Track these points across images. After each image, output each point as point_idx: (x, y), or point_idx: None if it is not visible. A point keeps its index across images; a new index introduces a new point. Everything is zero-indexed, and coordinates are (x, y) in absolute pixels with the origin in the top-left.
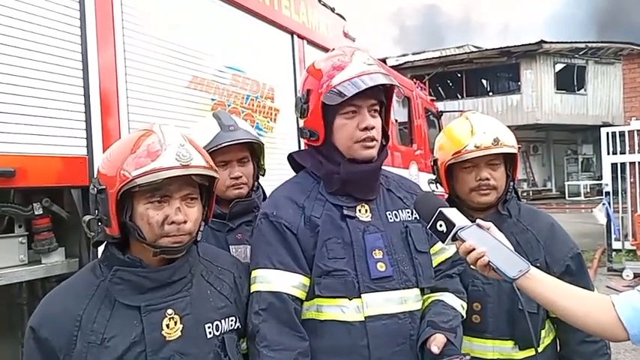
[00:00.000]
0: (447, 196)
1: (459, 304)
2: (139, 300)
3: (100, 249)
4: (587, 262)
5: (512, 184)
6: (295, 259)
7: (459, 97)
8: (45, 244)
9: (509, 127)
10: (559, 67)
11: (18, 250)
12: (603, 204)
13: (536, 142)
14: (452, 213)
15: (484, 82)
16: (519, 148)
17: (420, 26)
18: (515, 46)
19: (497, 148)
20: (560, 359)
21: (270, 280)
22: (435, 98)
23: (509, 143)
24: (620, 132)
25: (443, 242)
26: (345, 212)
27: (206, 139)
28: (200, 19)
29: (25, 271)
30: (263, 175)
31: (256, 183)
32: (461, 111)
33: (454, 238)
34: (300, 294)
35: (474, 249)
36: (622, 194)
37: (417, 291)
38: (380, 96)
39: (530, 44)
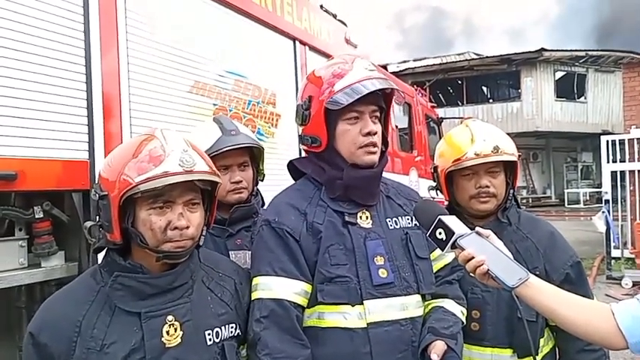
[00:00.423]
0: (446, 203)
1: (459, 311)
2: (139, 306)
3: (101, 254)
4: (586, 270)
5: (511, 191)
6: (297, 266)
7: (460, 103)
8: (45, 247)
9: (509, 134)
10: (559, 74)
11: (18, 254)
12: (603, 212)
13: (536, 149)
14: (451, 221)
15: (484, 89)
16: (519, 155)
17: (422, 30)
18: (515, 53)
19: (497, 156)
20: None
21: (272, 287)
22: (435, 105)
23: (509, 151)
24: (619, 140)
25: (442, 250)
26: (347, 219)
27: (207, 144)
28: (203, 24)
29: (25, 275)
30: (262, 180)
31: (255, 188)
32: (461, 118)
33: (453, 246)
34: (302, 301)
35: (473, 257)
36: (621, 202)
37: (418, 297)
38: (380, 102)
39: (530, 52)
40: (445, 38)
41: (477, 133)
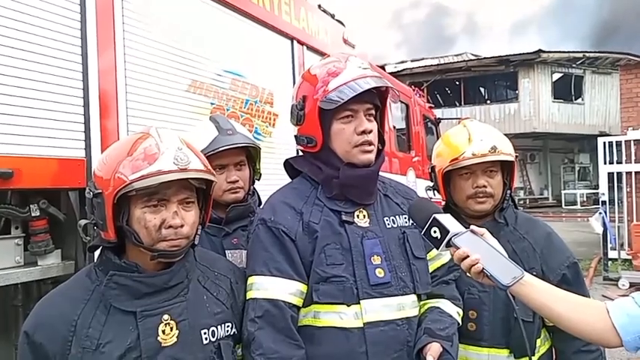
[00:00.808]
0: (444, 203)
1: (455, 311)
2: (134, 305)
3: (96, 253)
4: (583, 271)
5: (509, 192)
6: (293, 266)
7: (457, 104)
8: (41, 245)
9: (506, 135)
10: (556, 76)
11: (14, 252)
12: (600, 213)
13: (533, 150)
14: (446, 219)
15: (482, 90)
16: (516, 156)
17: (422, 27)
18: (513, 54)
19: (494, 156)
20: None
21: (267, 287)
22: (433, 105)
23: (507, 151)
24: (616, 142)
25: (437, 249)
26: (344, 218)
27: (204, 143)
28: (200, 23)
29: (21, 273)
30: (259, 180)
31: (252, 187)
32: (459, 118)
33: (448, 245)
34: (297, 301)
35: (468, 256)
36: (618, 203)
37: (414, 297)
38: (375, 100)
39: (528, 53)
40: (446, 35)
41: (474, 133)
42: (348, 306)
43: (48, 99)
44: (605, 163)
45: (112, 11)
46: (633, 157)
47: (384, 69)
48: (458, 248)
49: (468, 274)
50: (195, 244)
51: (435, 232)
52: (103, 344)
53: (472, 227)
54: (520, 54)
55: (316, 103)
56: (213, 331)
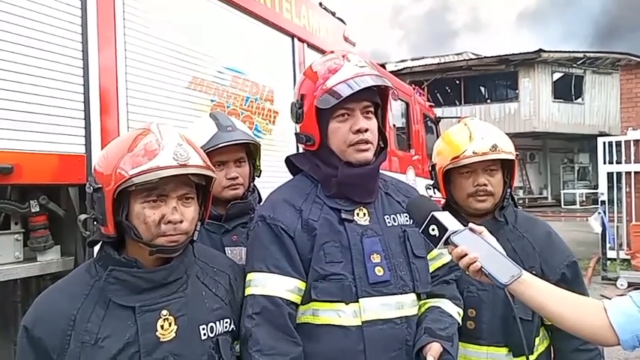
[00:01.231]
0: (444, 201)
1: (455, 312)
2: (133, 300)
3: (96, 248)
4: (582, 271)
5: (509, 190)
6: (291, 263)
7: (457, 103)
8: (41, 241)
9: (506, 134)
10: (557, 76)
11: (13, 247)
12: (599, 213)
13: (533, 150)
14: (444, 217)
15: (482, 89)
16: (517, 155)
17: (424, 22)
18: (513, 54)
19: (495, 154)
20: None
21: (265, 283)
22: (433, 104)
23: (507, 150)
24: (616, 142)
25: (435, 247)
26: (344, 216)
27: (204, 139)
28: (201, 20)
29: (21, 269)
30: (259, 177)
31: (252, 184)
32: (459, 117)
33: (446, 243)
34: (296, 298)
35: (466, 254)
36: (617, 203)
37: (413, 296)
38: (374, 97)
39: (528, 53)
40: (448, 32)
41: (475, 132)
42: (347, 304)
43: (48, 94)
44: (604, 163)
45: (113, 8)
46: (633, 157)
47: (384, 67)
48: (456, 246)
49: (466, 272)
50: (195, 240)
51: (433, 230)
52: (102, 339)
53: (470, 225)
54: (520, 53)
55: (313, 102)
56: (211, 327)
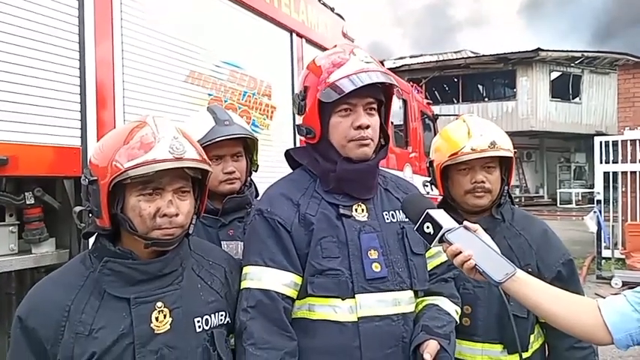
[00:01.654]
0: (440, 198)
1: (453, 310)
2: (128, 292)
3: (91, 240)
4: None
5: (506, 188)
6: (288, 257)
7: (455, 101)
8: (36, 233)
9: None
10: (555, 75)
11: (8, 239)
12: (594, 212)
13: (530, 149)
14: (439, 215)
15: (480, 87)
16: (515, 152)
17: (425, 17)
18: (511, 52)
19: (493, 151)
20: None
21: (261, 277)
22: (431, 102)
23: (506, 147)
24: (613, 141)
25: (430, 244)
26: (341, 211)
27: (200, 133)
28: (199, 14)
29: (15, 261)
30: (256, 171)
31: (249, 179)
32: (456, 115)
33: (441, 241)
34: (291, 293)
35: (460, 252)
36: (613, 203)
37: (410, 293)
38: (378, 94)
39: (526, 51)
40: (449, 27)
41: (473, 128)
42: (343, 300)
43: (44, 86)
44: (601, 162)
45: (110, 1)
46: (629, 157)
47: (382, 64)
48: (450, 244)
49: (460, 269)
50: (190, 234)
51: (427, 227)
52: (96, 330)
53: (465, 223)
54: (519, 52)
55: (316, 95)
56: (206, 319)
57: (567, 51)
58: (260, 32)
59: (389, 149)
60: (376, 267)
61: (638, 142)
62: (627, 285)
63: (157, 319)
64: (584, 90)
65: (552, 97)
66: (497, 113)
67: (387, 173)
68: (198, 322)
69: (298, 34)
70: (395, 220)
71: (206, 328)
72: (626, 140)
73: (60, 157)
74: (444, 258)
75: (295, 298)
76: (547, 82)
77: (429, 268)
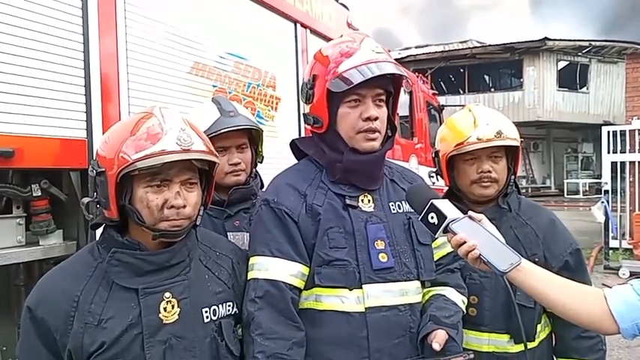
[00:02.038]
0: (447, 188)
1: (459, 300)
2: (136, 282)
3: (98, 232)
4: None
5: (512, 177)
6: (295, 248)
7: (461, 92)
8: (43, 225)
9: None
10: (562, 64)
11: (16, 231)
12: (602, 202)
13: (537, 139)
14: (443, 205)
15: (486, 77)
16: (521, 141)
17: (431, 7)
18: (518, 42)
19: (499, 141)
20: (554, 354)
21: (268, 267)
22: (437, 92)
23: (512, 136)
24: (621, 131)
25: (434, 234)
26: (348, 202)
27: (206, 124)
28: (203, 5)
29: (23, 252)
30: (261, 162)
31: (254, 170)
32: (462, 105)
33: (445, 231)
34: (299, 283)
35: (465, 242)
36: (621, 193)
37: (417, 283)
38: (387, 85)
39: (533, 41)
40: (456, 16)
41: (480, 118)
42: (350, 290)
43: (49, 78)
44: (608, 152)
45: None
46: (637, 147)
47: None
48: (455, 234)
49: (465, 259)
50: (197, 225)
51: (432, 217)
52: (105, 320)
53: (470, 213)
54: (525, 42)
55: (325, 84)
56: (214, 309)
57: (575, 40)
58: (264, 23)
59: (395, 140)
60: (383, 257)
61: None
62: (635, 275)
63: (165, 309)
64: (592, 79)
65: (559, 86)
66: (504, 103)
67: (392, 164)
68: (206, 312)
69: (303, 25)
70: (401, 211)
71: (214, 318)
72: (634, 130)
73: (66, 149)
74: (449, 249)
75: (302, 288)
76: (554, 72)
77: (435, 259)
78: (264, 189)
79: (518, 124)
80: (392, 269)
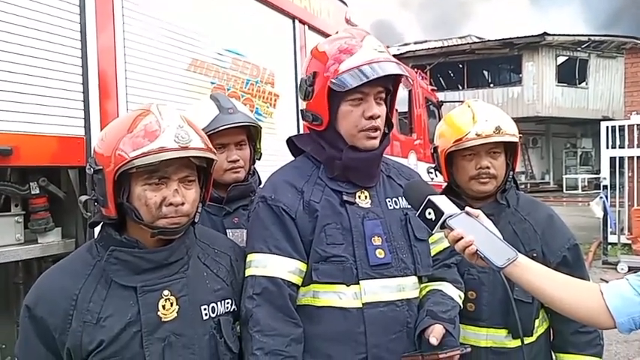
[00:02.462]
0: (445, 184)
1: (456, 295)
2: (135, 280)
3: (97, 230)
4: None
5: (511, 173)
6: (292, 244)
7: (460, 87)
8: (41, 223)
9: None
10: (561, 59)
11: (14, 229)
12: (600, 197)
13: (536, 134)
14: (441, 201)
15: (485, 73)
16: (520, 137)
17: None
18: (517, 37)
19: (498, 137)
20: (552, 349)
21: (266, 264)
22: (435, 88)
23: (511, 132)
24: (619, 126)
25: (431, 230)
26: (345, 198)
27: (204, 122)
28: (201, 1)
29: (22, 250)
30: (259, 159)
31: (253, 167)
32: (461, 101)
33: (443, 226)
34: (296, 279)
35: (462, 237)
36: (619, 188)
37: (414, 279)
38: (387, 84)
39: (532, 36)
40: (457, 11)
41: (478, 114)
42: (348, 286)
43: (47, 76)
44: (607, 147)
45: None
46: (636, 142)
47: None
48: (452, 230)
49: (462, 255)
50: (196, 222)
51: (429, 213)
52: (104, 318)
53: (467, 209)
54: (525, 37)
55: (327, 82)
56: (213, 307)
57: (574, 35)
58: (262, 19)
59: (393, 136)
60: (380, 253)
61: None
62: (633, 270)
63: (163, 307)
64: (591, 74)
65: (558, 82)
66: (503, 99)
67: (389, 160)
68: (205, 309)
69: (301, 21)
70: (398, 207)
71: (213, 315)
72: (633, 125)
73: (64, 146)
74: (446, 244)
75: (300, 285)
76: (553, 67)
77: (432, 254)
78: (262, 185)
79: (517, 120)
80: (389, 265)
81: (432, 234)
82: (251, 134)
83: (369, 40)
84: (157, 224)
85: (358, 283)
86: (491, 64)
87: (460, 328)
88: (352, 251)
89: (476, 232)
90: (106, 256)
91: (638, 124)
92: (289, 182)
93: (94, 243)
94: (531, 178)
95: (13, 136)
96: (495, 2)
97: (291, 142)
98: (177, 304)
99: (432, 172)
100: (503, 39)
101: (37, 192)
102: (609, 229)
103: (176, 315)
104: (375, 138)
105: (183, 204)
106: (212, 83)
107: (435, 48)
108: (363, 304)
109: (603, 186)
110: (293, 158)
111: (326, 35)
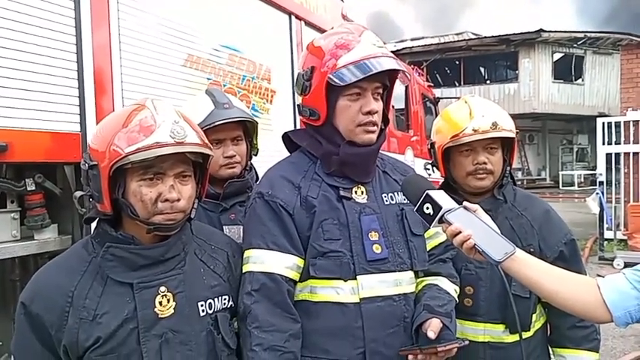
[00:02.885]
0: (442, 180)
1: (452, 289)
2: (131, 277)
3: (93, 226)
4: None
5: (508, 169)
6: (290, 240)
7: (457, 84)
8: (38, 220)
9: None
10: (557, 56)
11: (10, 226)
12: (597, 193)
13: (532, 131)
14: (439, 195)
15: (482, 69)
16: (517, 132)
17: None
18: (514, 34)
19: (495, 132)
20: (549, 343)
21: (264, 260)
22: (432, 85)
23: (508, 127)
24: (615, 122)
25: (429, 225)
26: (342, 193)
27: (200, 117)
28: None
29: (18, 247)
30: (256, 155)
31: (249, 163)
32: (457, 98)
33: (440, 221)
34: (294, 275)
35: (460, 232)
36: (616, 184)
37: (411, 274)
38: (385, 79)
39: (529, 32)
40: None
41: (475, 109)
42: (345, 281)
43: (42, 72)
44: (603, 143)
45: None
46: (632, 138)
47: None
48: (450, 224)
49: (460, 249)
50: (192, 218)
51: (427, 208)
52: (100, 315)
53: (465, 203)
54: (521, 33)
55: (324, 77)
56: (210, 303)
57: (570, 32)
58: (258, 15)
59: (390, 133)
60: (377, 248)
61: None
62: (629, 266)
63: (160, 303)
64: (587, 71)
65: (555, 78)
66: (499, 95)
67: (384, 156)
68: (202, 306)
69: (297, 17)
70: (394, 202)
71: (210, 312)
72: (629, 121)
73: (60, 143)
74: (441, 239)
75: (298, 280)
76: (549, 64)
77: (427, 249)
78: (258, 180)
79: (513, 116)
80: (386, 260)
81: (430, 228)
82: (247, 130)
83: (367, 35)
84: (152, 220)
85: (355, 279)
86: (488, 60)
87: (458, 323)
88: (349, 246)
89: (474, 226)
90: (102, 252)
91: (634, 121)
92: (286, 178)
93: (89, 239)
94: (528, 174)
95: (9, 132)
96: (493, 5)
97: (286, 138)
98: (174, 301)
99: (429, 169)
100: (499, 35)
101: (33, 188)
102: (605, 225)
103: (173, 311)
104: (372, 132)
105: (179, 200)
106: (208, 79)
107: (431, 44)
108: (360, 299)
109: (599, 182)
110: (290, 154)
111: (322, 31)
